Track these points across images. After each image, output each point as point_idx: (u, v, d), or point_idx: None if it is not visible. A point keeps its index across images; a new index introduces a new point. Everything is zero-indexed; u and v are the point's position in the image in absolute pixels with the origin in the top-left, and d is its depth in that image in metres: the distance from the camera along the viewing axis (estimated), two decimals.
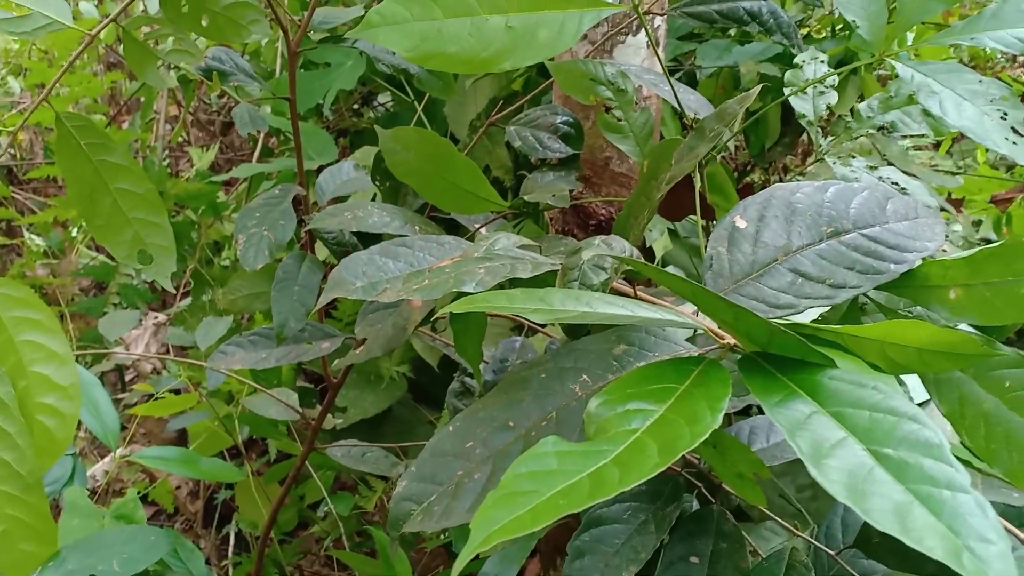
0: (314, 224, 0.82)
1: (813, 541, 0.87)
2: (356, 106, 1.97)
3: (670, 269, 0.99)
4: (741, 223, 0.69)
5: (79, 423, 0.79)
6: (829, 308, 0.79)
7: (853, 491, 0.42)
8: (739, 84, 1.39)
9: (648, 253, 0.92)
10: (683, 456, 0.96)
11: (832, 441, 0.45)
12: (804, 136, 1.48)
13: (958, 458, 0.63)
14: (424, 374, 1.82)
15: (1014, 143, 0.59)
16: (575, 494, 0.41)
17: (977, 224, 2.02)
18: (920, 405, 0.80)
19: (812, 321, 0.74)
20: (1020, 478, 0.64)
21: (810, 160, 0.85)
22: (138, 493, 1.23)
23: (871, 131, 0.78)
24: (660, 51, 1.10)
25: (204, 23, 0.74)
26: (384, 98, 2.02)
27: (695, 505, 0.90)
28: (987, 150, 2.30)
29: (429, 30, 0.55)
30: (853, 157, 0.78)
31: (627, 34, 1.10)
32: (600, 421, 0.47)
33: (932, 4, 0.64)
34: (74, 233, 2.42)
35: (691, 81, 1.49)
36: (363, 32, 0.55)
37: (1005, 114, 0.61)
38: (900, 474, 0.43)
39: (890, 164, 0.79)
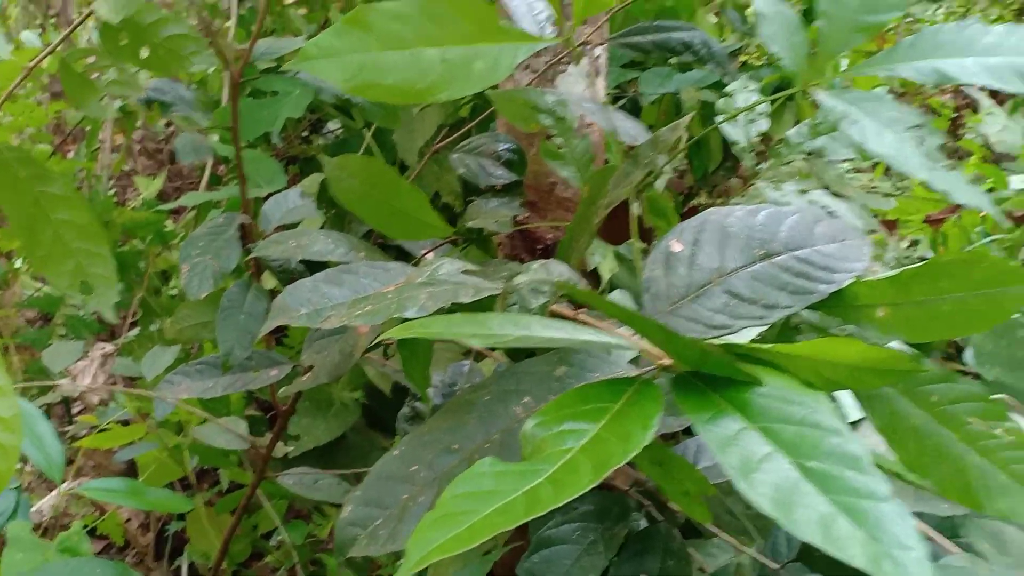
0: (258, 252, 0.82)
1: (759, 556, 0.88)
2: (305, 133, 1.97)
3: (617, 292, 1.01)
4: (677, 247, 0.71)
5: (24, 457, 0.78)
6: (768, 327, 0.81)
7: (779, 504, 0.44)
8: (680, 110, 1.42)
9: (593, 275, 0.94)
10: (632, 475, 0.97)
11: (760, 456, 0.46)
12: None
13: (890, 471, 0.66)
14: (377, 400, 1.82)
15: (931, 169, 0.62)
16: (511, 512, 0.42)
17: (915, 244, 2.09)
18: (858, 422, 0.83)
19: (751, 340, 0.76)
20: (949, 489, 0.67)
21: (749, 184, 0.87)
22: (85, 526, 1.21)
23: (803, 156, 0.81)
24: (601, 80, 1.13)
25: (144, 55, 0.74)
26: (334, 125, 2.02)
27: (644, 523, 0.91)
28: None
29: (366, 62, 0.56)
30: (785, 182, 0.81)
31: (569, 63, 1.13)
32: (536, 441, 0.48)
33: (852, 37, 0.67)
34: (18, 264, 2.37)
35: (635, 107, 1.52)
36: (300, 64, 0.56)
37: (923, 141, 0.64)
38: (825, 486, 0.45)
39: (825, 187, 0.82)
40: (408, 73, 0.56)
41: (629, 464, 0.46)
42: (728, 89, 0.83)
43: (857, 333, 0.73)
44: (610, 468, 0.43)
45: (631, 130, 0.81)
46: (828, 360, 0.63)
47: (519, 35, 0.58)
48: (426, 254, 0.91)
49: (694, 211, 1.88)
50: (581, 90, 1.12)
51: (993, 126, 2.46)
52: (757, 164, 0.81)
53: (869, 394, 0.70)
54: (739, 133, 0.82)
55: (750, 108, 0.80)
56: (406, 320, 0.62)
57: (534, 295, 0.60)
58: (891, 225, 1.74)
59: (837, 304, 0.71)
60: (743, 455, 0.46)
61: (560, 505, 0.43)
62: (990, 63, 0.65)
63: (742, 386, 0.52)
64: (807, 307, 0.72)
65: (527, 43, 0.58)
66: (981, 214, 1.88)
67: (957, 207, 1.65)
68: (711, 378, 0.53)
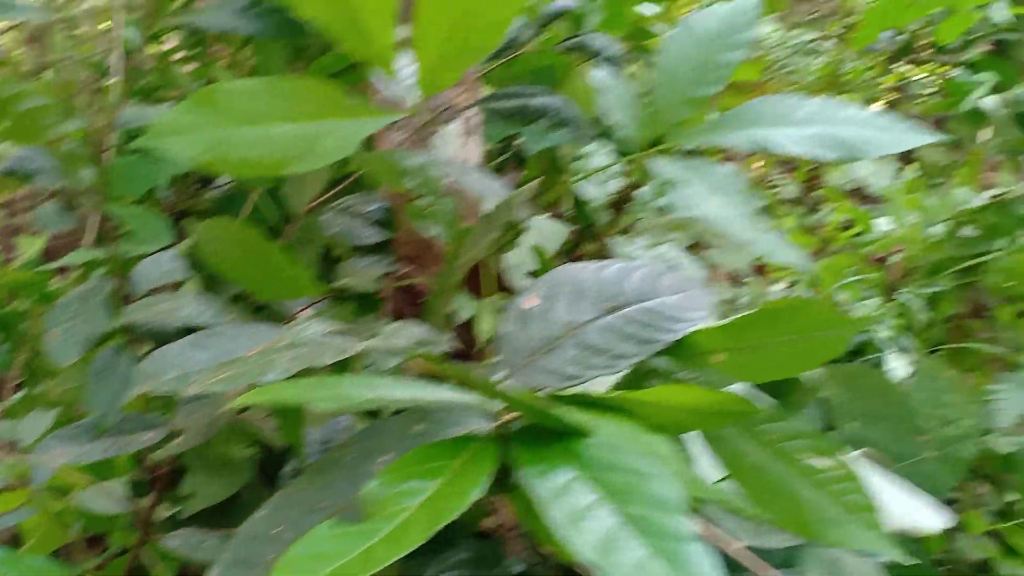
0: (128, 317, 0.82)
1: None
2: (195, 187, 1.96)
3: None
4: (533, 302, 0.75)
5: None
6: (628, 374, 0.86)
7: (601, 551, 0.47)
8: (556, 164, 1.48)
9: (466, 328, 0.98)
10: (507, 518, 1.00)
11: (587, 504, 0.50)
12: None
13: (733, 507, 0.70)
14: (270, 457, 1.80)
15: (753, 231, 0.67)
16: (346, 573, 0.45)
17: (794, 284, 2.21)
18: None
19: (611, 388, 0.81)
20: (787, 522, 0.72)
21: (615, 236, 0.93)
22: None
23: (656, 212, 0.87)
24: (475, 139, 1.18)
25: (4, 125, 0.75)
26: (226, 177, 2.02)
27: (520, 568, 0.94)
28: (796, 216, 2.50)
29: (216, 138, 0.58)
30: (639, 236, 0.87)
31: (444, 123, 1.17)
32: (378, 500, 0.50)
33: (682, 108, 0.73)
34: None
35: (520, 160, 1.57)
36: (152, 140, 0.58)
37: (748, 203, 0.70)
38: (643, 530, 0.49)
39: (682, 241, 0.88)
40: (258, 149, 0.58)
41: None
42: (584, 151, 0.88)
43: (701, 378, 0.78)
44: (441, 524, 0.46)
45: (489, 190, 0.85)
46: (670, 405, 0.68)
47: (367, 111, 0.61)
48: (300, 312, 0.93)
49: (580, 259, 1.94)
50: (455, 149, 1.16)
51: (864, 169, 2.63)
52: (613, 220, 0.87)
53: (714, 435, 0.75)
54: (595, 191, 0.87)
55: (603, 168, 0.85)
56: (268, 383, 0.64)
57: (388, 356, 0.63)
58: (760, 269, 1.83)
59: (682, 351, 0.76)
60: (571, 505, 0.50)
61: (436, 554, 0.45)
62: (804, 133, 0.71)
63: (576, 437, 0.55)
64: (657, 354, 0.77)
65: (375, 118, 0.62)
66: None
67: (823, 250, 1.76)
68: (547, 431, 0.56)
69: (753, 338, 0.73)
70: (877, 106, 3.91)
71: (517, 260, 1.05)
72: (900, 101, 3.72)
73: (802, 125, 0.72)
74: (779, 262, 0.67)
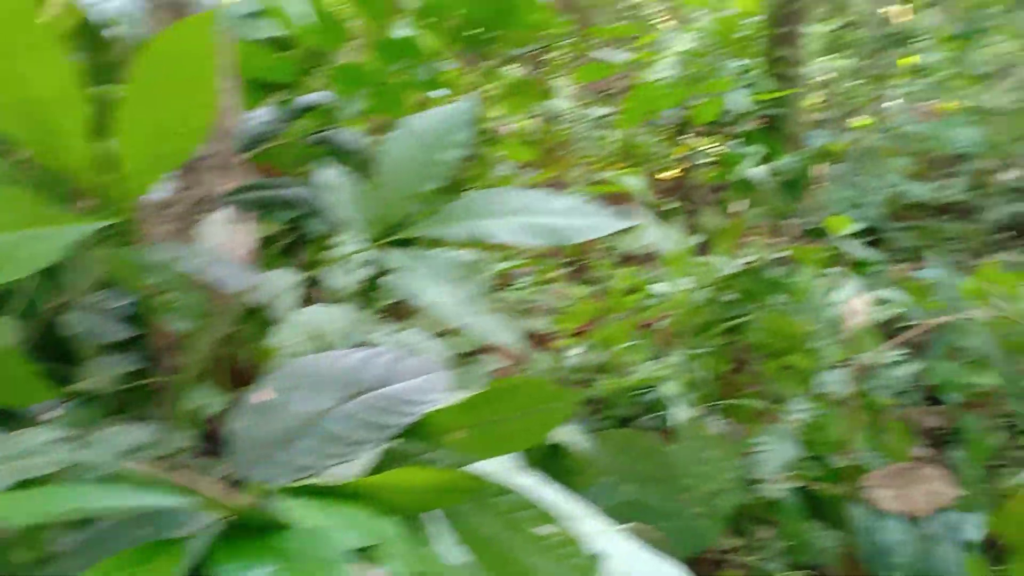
0: None
1: None
2: None
3: None
4: (266, 395, 0.76)
5: None
6: (383, 457, 0.88)
7: None
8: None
9: (213, 422, 0.97)
10: None
11: None
12: None
13: None
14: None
15: (470, 314, 0.72)
16: None
17: (587, 350, 2.32)
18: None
19: (362, 472, 0.83)
20: None
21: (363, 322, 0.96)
22: None
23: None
24: (244, 225, 1.19)
25: None
26: None
27: None
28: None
29: None
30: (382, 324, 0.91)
31: (211, 211, 1.18)
32: None
33: (406, 203, 0.78)
34: None
35: (303, 240, 1.59)
36: None
37: (468, 288, 0.75)
38: None
39: (430, 324, 0.92)
40: None
41: None
42: (330, 241, 0.92)
43: (440, 457, 0.81)
44: None
45: (233, 279, 0.86)
46: (404, 487, 0.71)
47: (69, 218, 0.62)
48: (42, 416, 0.90)
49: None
50: (222, 237, 1.16)
51: (648, 236, 2.82)
52: (362, 307, 0.90)
53: (452, 511, 0.78)
54: (344, 279, 0.90)
55: (347, 256, 0.89)
56: None
57: (104, 462, 0.62)
58: (544, 339, 1.92)
59: (422, 433, 0.79)
60: None
61: None
62: (515, 223, 0.78)
63: (279, 531, 0.57)
64: (402, 437, 0.80)
65: (78, 225, 0.62)
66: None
67: (594, 321, 1.87)
68: (252, 527, 0.57)
69: (485, 415, 0.78)
70: (669, 174, 4.22)
71: (291, 347, 1.05)
72: (689, 170, 4.03)
73: (513, 216, 0.78)
74: (495, 342, 0.72)
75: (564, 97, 3.83)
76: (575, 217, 0.80)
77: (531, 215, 0.78)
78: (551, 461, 1.36)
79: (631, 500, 1.48)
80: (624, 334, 1.87)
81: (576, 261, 2.85)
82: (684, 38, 3.56)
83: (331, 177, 0.78)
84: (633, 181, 2.54)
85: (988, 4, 4.31)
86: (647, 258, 2.87)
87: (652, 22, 4.54)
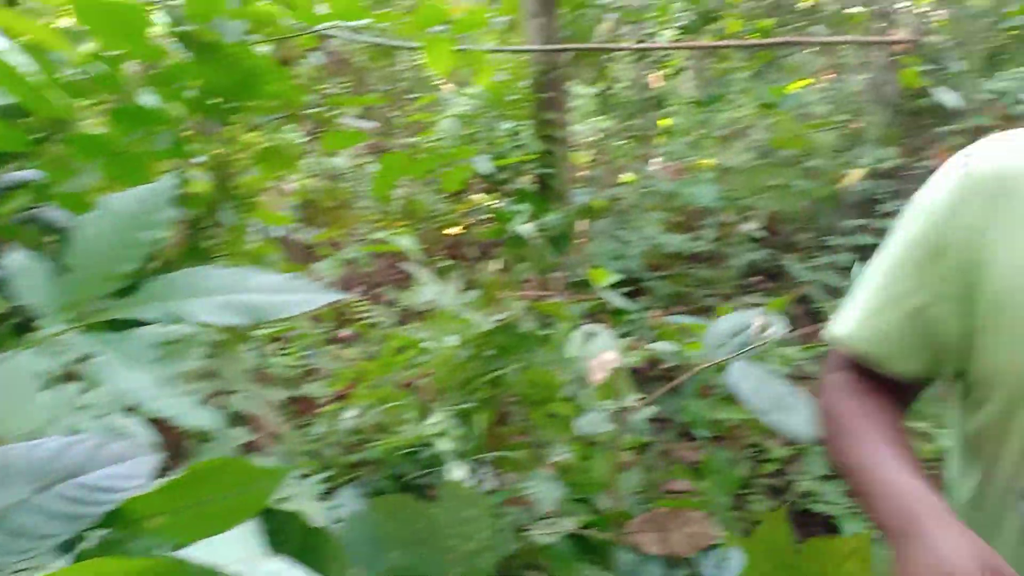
0: None
1: None
2: None
3: None
4: None
5: None
6: (93, 547, 0.85)
7: None
8: None
9: None
10: None
11: None
12: None
13: None
14: None
15: (161, 398, 0.72)
16: None
17: (364, 412, 2.32)
18: None
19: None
20: None
21: None
22: None
23: None
24: None
25: None
26: None
27: None
28: None
29: None
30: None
31: None
32: None
33: (102, 284, 0.77)
34: None
35: None
36: None
37: (161, 371, 0.74)
38: None
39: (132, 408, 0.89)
40: None
41: None
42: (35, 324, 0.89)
43: (140, 545, 0.79)
44: None
45: None
46: None
47: None
48: None
49: None
50: None
51: (426, 293, 2.87)
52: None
53: None
54: (44, 364, 0.87)
55: (58, 334, 0.86)
56: None
57: None
58: (311, 404, 1.92)
59: (119, 521, 0.77)
60: None
61: None
62: (216, 302, 0.78)
63: None
64: (102, 526, 0.77)
65: None
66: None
67: (357, 382, 1.88)
68: None
69: (187, 498, 0.77)
70: (453, 230, 4.34)
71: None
72: (470, 226, 4.16)
73: (214, 295, 0.79)
74: (189, 425, 0.72)
75: (344, 156, 3.85)
76: (279, 294, 0.81)
77: (232, 293, 0.79)
78: (303, 540, 1.35)
79: (396, 566, 1.49)
80: (391, 393, 1.89)
81: (353, 321, 2.85)
82: (459, 101, 3.70)
83: (20, 259, 0.76)
84: (406, 241, 2.60)
85: (732, 71, 4.80)
86: (425, 315, 2.92)
87: (431, 84, 4.68)
